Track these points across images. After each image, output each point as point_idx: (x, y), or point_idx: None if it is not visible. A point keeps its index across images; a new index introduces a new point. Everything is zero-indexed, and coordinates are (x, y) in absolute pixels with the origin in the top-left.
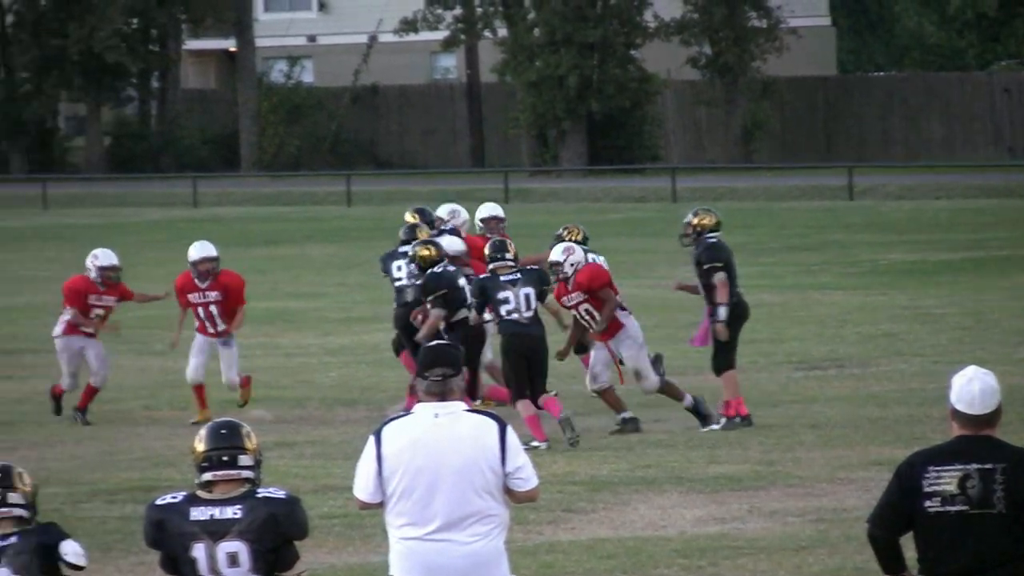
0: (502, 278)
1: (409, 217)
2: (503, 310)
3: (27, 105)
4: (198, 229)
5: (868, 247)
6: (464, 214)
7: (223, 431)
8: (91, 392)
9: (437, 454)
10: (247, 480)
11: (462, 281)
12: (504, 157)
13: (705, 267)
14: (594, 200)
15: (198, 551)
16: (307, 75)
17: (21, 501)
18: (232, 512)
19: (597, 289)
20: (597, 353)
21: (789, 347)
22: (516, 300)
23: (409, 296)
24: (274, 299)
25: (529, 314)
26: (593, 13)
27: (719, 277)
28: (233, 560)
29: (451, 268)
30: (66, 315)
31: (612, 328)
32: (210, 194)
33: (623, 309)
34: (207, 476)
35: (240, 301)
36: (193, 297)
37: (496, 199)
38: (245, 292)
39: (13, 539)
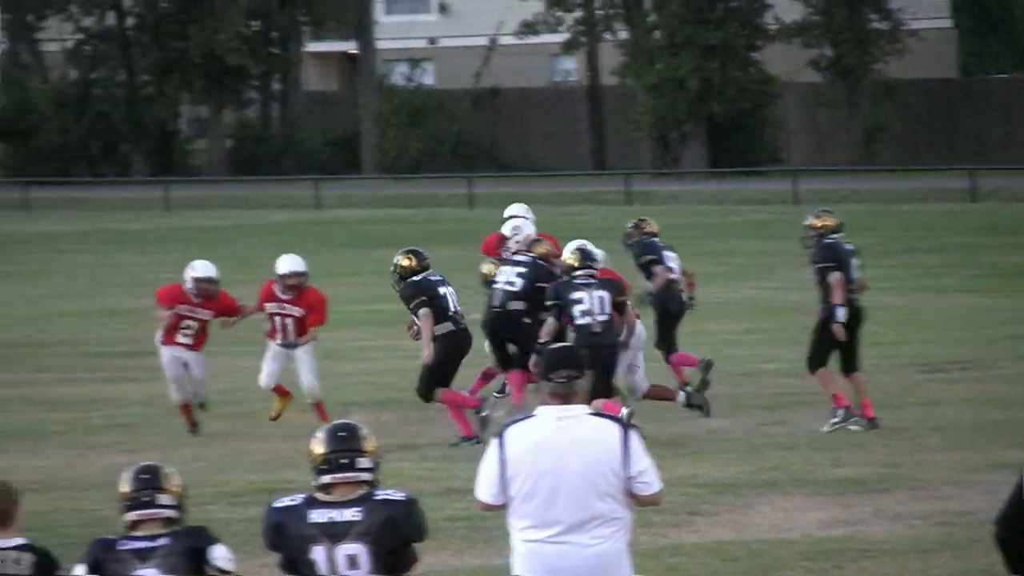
0: (577, 280)
1: (403, 260)
2: (577, 310)
3: (149, 108)
4: (320, 231)
5: (990, 249)
6: (527, 229)
7: (342, 433)
8: (188, 410)
9: (559, 457)
10: (366, 482)
11: (443, 290)
12: (625, 159)
13: (818, 267)
14: (716, 203)
15: (317, 553)
16: (428, 77)
17: (171, 502)
18: (351, 514)
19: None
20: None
21: (912, 349)
22: (591, 302)
23: (496, 300)
24: (395, 301)
25: (603, 318)
26: (714, 15)
27: (833, 277)
28: (352, 562)
29: (433, 277)
30: (164, 314)
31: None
32: (332, 196)
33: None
34: (326, 479)
35: (321, 319)
36: (272, 307)
37: (617, 202)
38: (327, 310)
39: (163, 540)
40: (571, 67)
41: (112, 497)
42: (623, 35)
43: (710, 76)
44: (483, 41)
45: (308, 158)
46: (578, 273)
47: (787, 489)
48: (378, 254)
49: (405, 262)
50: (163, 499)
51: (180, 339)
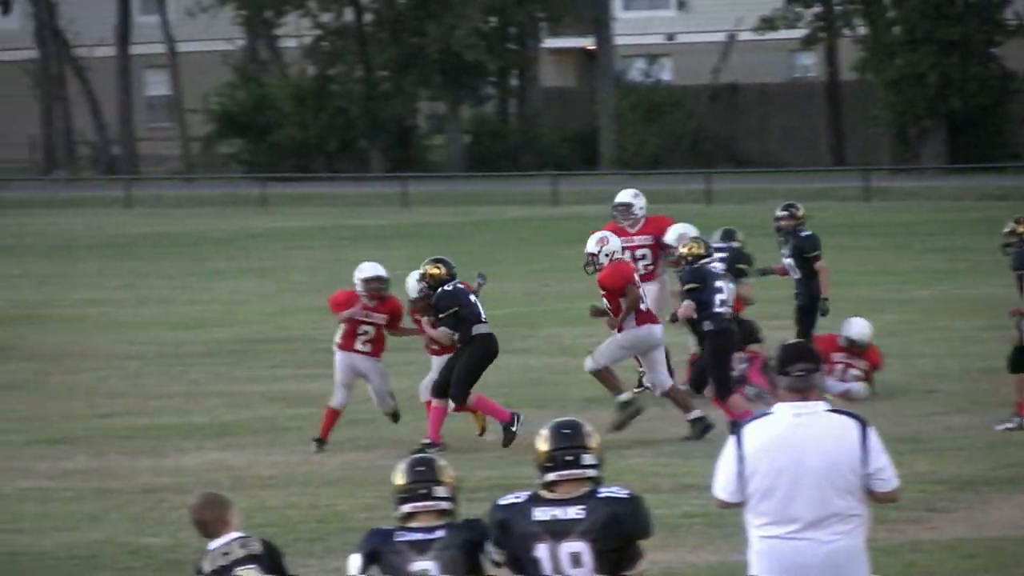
0: (714, 269)
1: (432, 269)
2: (717, 300)
3: (387, 104)
4: (557, 227)
5: None
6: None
7: (566, 431)
8: (393, 414)
9: (798, 454)
10: (590, 479)
11: (472, 298)
12: (864, 155)
13: (1018, 273)
14: (955, 199)
15: (541, 551)
16: (665, 73)
17: (446, 494)
18: (574, 512)
19: (617, 289)
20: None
21: None
22: (727, 292)
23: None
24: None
25: (729, 309)
26: (953, 11)
27: None
28: (576, 560)
29: (460, 286)
30: (347, 314)
31: (642, 318)
32: (569, 192)
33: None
34: (551, 476)
35: (397, 327)
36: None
37: (855, 198)
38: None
39: (440, 532)
40: (810, 63)
41: (347, 494)
42: (862, 30)
43: (949, 71)
44: (721, 37)
45: (546, 154)
46: (710, 261)
47: None
48: None
49: (435, 271)
50: (439, 491)
51: (358, 346)
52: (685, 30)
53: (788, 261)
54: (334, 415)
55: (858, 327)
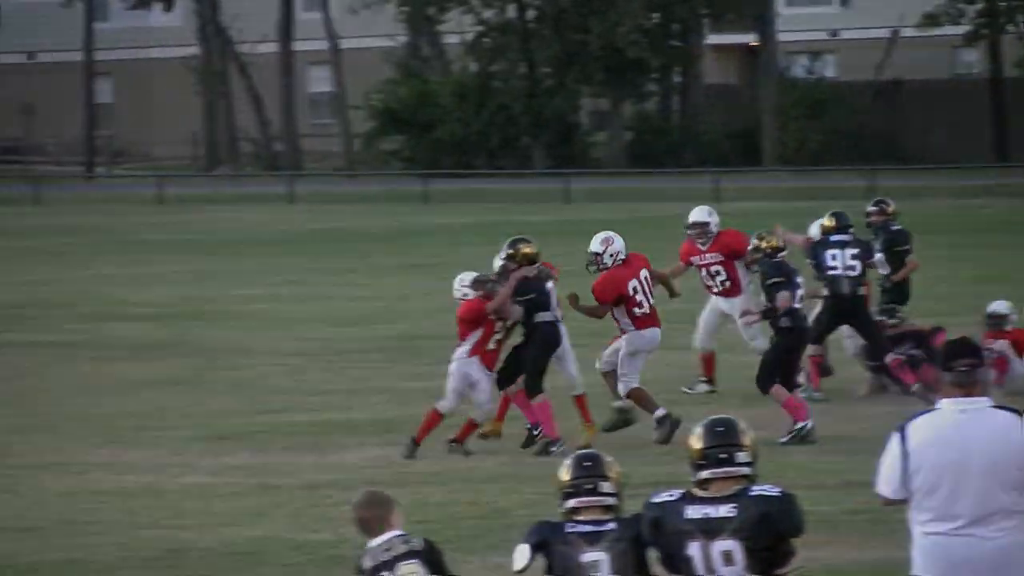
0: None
1: (525, 248)
2: (798, 295)
3: (549, 100)
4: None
5: None
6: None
7: (720, 428)
8: (472, 427)
9: (963, 451)
10: (744, 477)
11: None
12: None
13: None
14: None
15: (693, 549)
16: (828, 69)
17: (612, 490)
18: (726, 510)
19: (606, 301)
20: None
21: None
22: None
23: (845, 287)
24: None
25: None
26: None
27: None
28: (728, 559)
29: (544, 270)
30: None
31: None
32: (731, 188)
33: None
34: (704, 474)
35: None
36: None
37: (1020, 194)
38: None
39: (611, 525)
40: (973, 59)
41: (509, 490)
42: None
43: None
44: (884, 33)
45: (708, 151)
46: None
47: None
48: None
49: (528, 249)
50: (605, 487)
51: (486, 351)
52: (848, 26)
53: (879, 256)
54: (440, 418)
55: (1000, 304)
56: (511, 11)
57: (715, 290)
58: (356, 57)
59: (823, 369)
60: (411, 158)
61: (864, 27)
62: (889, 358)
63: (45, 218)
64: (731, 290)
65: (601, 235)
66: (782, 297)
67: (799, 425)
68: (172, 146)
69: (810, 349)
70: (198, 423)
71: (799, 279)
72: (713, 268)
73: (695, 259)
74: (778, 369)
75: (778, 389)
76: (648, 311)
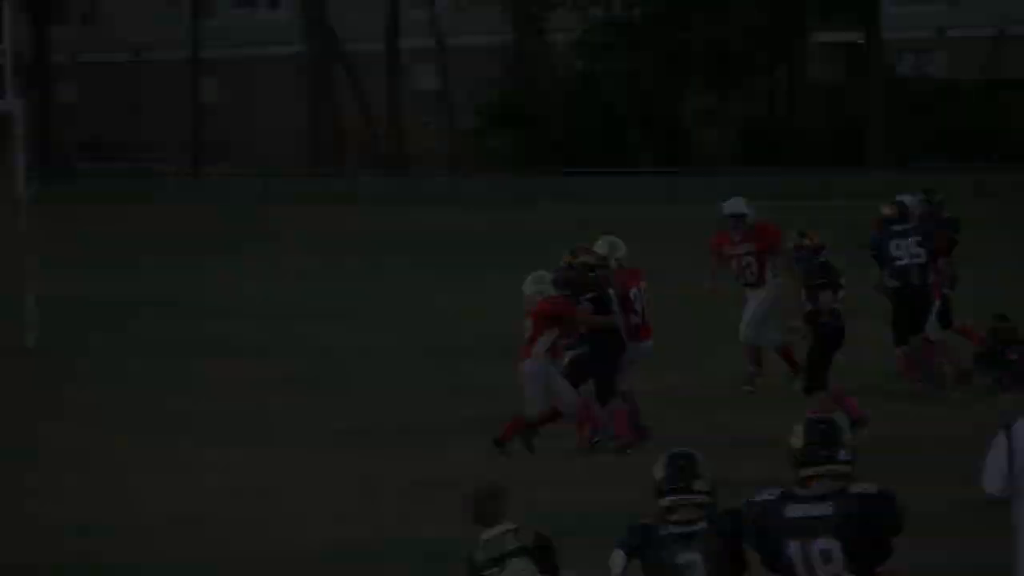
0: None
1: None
2: (840, 295)
3: (655, 98)
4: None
5: None
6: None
7: (821, 426)
8: (520, 424)
9: None
10: (843, 475)
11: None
12: None
13: None
14: None
15: (792, 548)
16: (935, 67)
17: (705, 488)
18: (825, 509)
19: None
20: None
21: None
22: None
23: (915, 276)
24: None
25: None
26: None
27: None
28: (827, 557)
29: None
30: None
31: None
32: (838, 186)
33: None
34: (804, 472)
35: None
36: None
37: None
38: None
39: (703, 524)
40: None
41: (614, 490)
42: None
43: None
44: (991, 31)
45: (814, 148)
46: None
47: None
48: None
49: (585, 258)
50: (698, 485)
51: (557, 353)
52: (955, 24)
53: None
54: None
55: None
56: (616, 9)
57: (743, 281)
58: (461, 55)
59: (961, 375)
60: (516, 157)
61: (971, 25)
62: (900, 351)
63: (152, 216)
64: (755, 282)
65: (608, 238)
66: (825, 298)
67: (858, 417)
68: (277, 144)
69: (901, 351)
70: (308, 423)
71: (842, 280)
72: (745, 259)
73: (727, 249)
74: (826, 369)
75: (837, 388)
76: (642, 322)
